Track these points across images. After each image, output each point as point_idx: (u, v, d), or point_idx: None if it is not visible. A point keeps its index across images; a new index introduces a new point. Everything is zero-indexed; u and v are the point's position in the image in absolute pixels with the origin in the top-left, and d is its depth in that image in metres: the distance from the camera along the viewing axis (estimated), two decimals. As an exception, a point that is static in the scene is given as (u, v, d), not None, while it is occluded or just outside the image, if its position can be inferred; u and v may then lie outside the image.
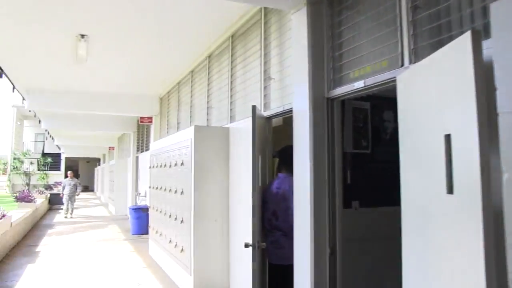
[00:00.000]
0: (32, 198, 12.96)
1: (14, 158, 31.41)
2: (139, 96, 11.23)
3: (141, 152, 13.99)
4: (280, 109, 4.50)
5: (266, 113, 4.76)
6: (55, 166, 33.22)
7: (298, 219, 3.76)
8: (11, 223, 8.81)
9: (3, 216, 8.14)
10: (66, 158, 33.83)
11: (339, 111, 3.74)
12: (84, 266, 7.74)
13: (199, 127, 6.00)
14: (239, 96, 5.81)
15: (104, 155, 30.58)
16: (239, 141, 5.56)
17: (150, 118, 11.74)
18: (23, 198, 12.50)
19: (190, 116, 8.25)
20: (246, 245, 3.76)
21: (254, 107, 3.87)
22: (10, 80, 9.38)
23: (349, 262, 3.73)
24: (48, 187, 23.72)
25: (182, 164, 6.12)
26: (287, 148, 4.12)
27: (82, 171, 39.11)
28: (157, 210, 7.81)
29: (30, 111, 12.95)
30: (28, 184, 30.03)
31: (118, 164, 17.71)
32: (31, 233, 11.86)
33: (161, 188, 7.46)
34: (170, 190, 6.75)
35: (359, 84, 3.31)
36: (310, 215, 3.58)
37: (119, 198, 16.82)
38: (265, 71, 5.02)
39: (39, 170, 32.32)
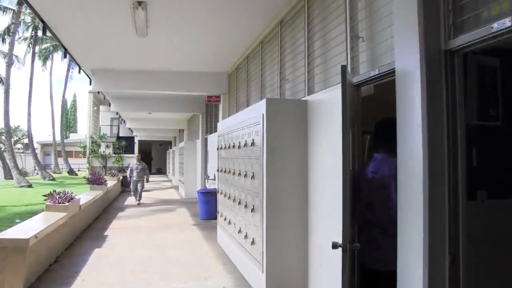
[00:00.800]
0: (103, 181, 12.92)
1: (92, 142, 32.89)
2: (205, 73, 10.62)
3: (210, 133, 13.57)
4: (374, 73, 3.56)
5: (355, 80, 3.83)
6: (129, 149, 34.49)
7: (405, 214, 2.86)
8: (80, 206, 8.63)
9: (72, 199, 7.92)
10: (139, 141, 34.90)
11: (461, 69, 2.74)
12: (149, 254, 7.31)
13: (272, 100, 5.18)
14: (318, 63, 4.90)
15: (174, 137, 31.13)
16: (320, 116, 4.65)
17: (218, 96, 11.11)
18: (94, 181, 12.50)
19: (260, 92, 7.45)
20: (334, 246, 2.95)
21: (344, 68, 2.97)
22: (75, 61, 9.22)
23: (477, 273, 2.77)
24: (121, 169, 24.24)
25: (252, 144, 5.34)
26: (386, 121, 3.19)
27: (155, 154, 40.34)
28: (225, 195, 7.15)
29: (98, 93, 12.87)
30: (104, 167, 31.43)
31: (187, 146, 17.56)
32: (101, 216, 11.85)
33: (229, 171, 6.76)
34: (239, 173, 6.01)
35: (503, 24, 2.29)
36: (423, 209, 2.68)
37: (189, 181, 16.75)
38: (352, 28, 4.07)
39: (114, 153, 33.64)
